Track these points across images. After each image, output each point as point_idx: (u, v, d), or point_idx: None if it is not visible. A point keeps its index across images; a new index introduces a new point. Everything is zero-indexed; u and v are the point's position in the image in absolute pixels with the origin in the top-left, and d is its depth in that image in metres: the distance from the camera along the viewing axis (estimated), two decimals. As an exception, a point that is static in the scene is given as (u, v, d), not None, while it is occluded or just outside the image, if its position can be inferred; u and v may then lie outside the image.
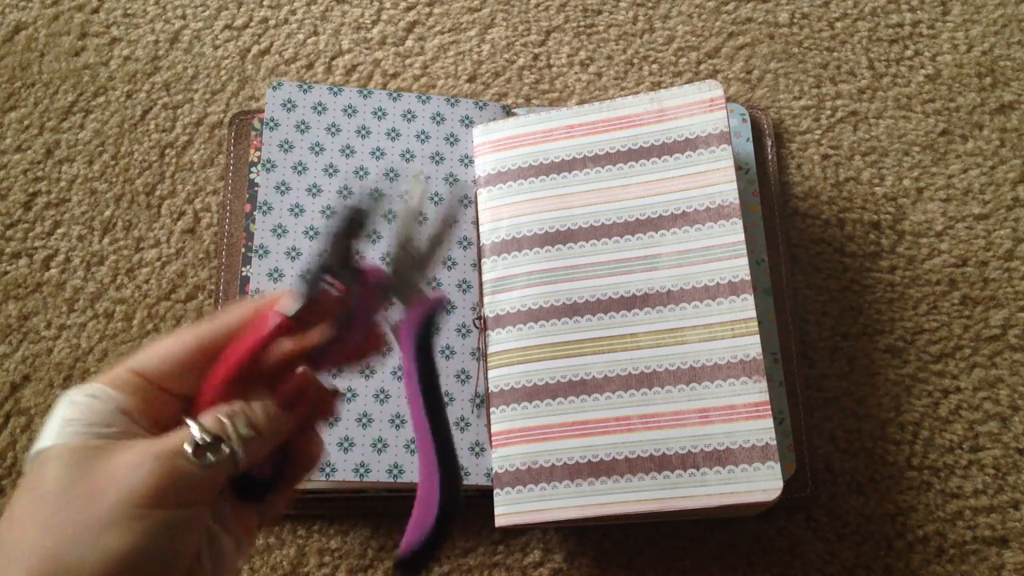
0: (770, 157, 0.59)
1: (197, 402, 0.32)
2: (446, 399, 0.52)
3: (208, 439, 0.30)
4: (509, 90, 0.62)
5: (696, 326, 0.50)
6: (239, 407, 0.31)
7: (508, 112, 0.60)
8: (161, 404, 0.32)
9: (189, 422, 0.30)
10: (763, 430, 0.47)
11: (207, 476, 0.30)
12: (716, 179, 0.52)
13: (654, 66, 0.63)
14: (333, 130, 0.57)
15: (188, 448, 0.29)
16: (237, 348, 0.32)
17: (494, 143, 0.56)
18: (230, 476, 0.31)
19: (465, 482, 0.51)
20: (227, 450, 0.30)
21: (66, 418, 0.30)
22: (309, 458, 0.35)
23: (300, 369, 0.34)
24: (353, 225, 0.33)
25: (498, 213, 0.55)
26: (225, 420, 0.30)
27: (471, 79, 0.62)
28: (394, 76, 0.62)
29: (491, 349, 0.52)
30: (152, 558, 0.28)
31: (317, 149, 0.56)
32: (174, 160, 0.59)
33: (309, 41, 0.63)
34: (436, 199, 0.56)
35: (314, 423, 0.35)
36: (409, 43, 0.63)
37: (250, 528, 0.34)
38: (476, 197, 0.56)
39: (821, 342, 0.56)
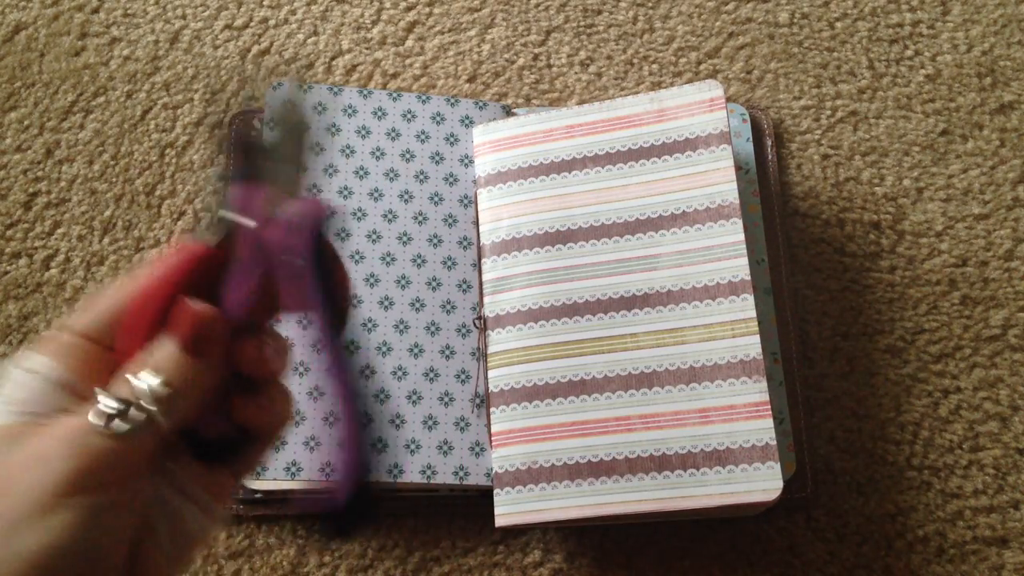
0: (770, 157, 0.59)
1: (116, 360, 0.29)
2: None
3: (114, 407, 0.26)
4: (509, 90, 0.62)
5: (696, 326, 0.50)
6: (140, 360, 0.27)
7: (508, 112, 0.60)
8: (109, 366, 0.28)
9: (97, 391, 0.26)
10: (763, 430, 0.47)
11: (127, 449, 0.26)
12: (716, 179, 0.52)
13: (654, 66, 0.63)
14: (333, 130, 0.57)
15: (97, 421, 0.26)
16: (150, 286, 0.29)
17: (494, 143, 0.56)
18: (171, 439, 0.27)
19: (465, 482, 0.51)
20: (141, 415, 0.26)
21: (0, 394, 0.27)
22: (273, 412, 0.30)
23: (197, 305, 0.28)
24: (251, 147, 0.29)
25: (498, 213, 0.55)
26: (133, 380, 0.27)
27: (471, 79, 0.62)
28: (394, 76, 0.62)
29: (491, 349, 0.52)
30: (77, 553, 0.25)
31: (317, 149, 0.56)
32: (174, 160, 0.60)
33: (309, 41, 0.63)
34: (436, 199, 0.56)
35: (266, 372, 0.30)
36: (409, 43, 0.63)
37: (221, 488, 0.30)
38: (476, 197, 0.56)
39: (821, 342, 0.56)
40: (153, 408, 0.26)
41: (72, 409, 0.27)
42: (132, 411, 0.26)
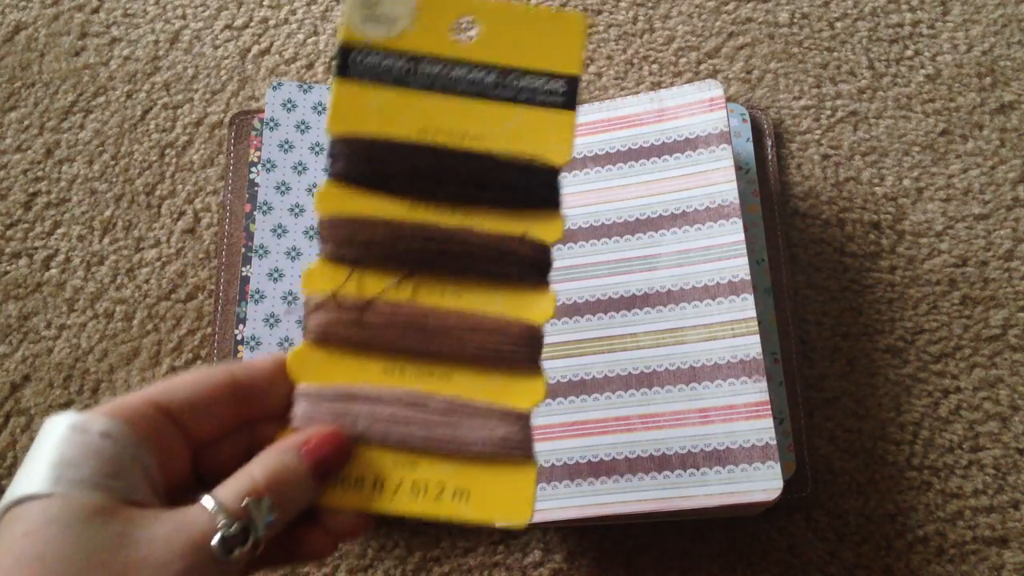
0: (770, 157, 0.59)
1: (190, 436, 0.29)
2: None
3: (236, 531, 0.26)
4: (509, 90, 0.62)
5: (696, 326, 0.50)
6: (264, 482, 0.27)
7: (508, 112, 0.60)
8: (174, 448, 0.29)
9: (212, 508, 0.26)
10: (763, 430, 0.47)
11: (230, 567, 0.26)
12: (716, 179, 0.52)
13: (654, 66, 0.63)
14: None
15: (214, 543, 0.26)
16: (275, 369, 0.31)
17: (494, 143, 0.56)
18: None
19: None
20: (252, 541, 0.27)
21: (66, 458, 0.25)
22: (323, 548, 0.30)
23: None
24: None
25: (498, 213, 0.55)
26: (251, 503, 0.27)
27: (471, 79, 0.62)
28: (394, 76, 0.62)
29: (491, 349, 0.52)
30: None
31: (317, 149, 0.56)
32: (174, 160, 0.60)
33: (309, 41, 0.63)
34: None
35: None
36: (409, 43, 0.63)
37: None
38: (476, 197, 0.56)
39: (821, 342, 0.56)
40: (262, 534, 0.27)
41: (145, 492, 0.27)
42: (249, 537, 0.27)
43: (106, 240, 0.58)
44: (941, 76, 0.62)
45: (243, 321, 0.53)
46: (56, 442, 0.26)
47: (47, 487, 0.25)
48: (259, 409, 0.31)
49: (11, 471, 0.52)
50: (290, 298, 0.53)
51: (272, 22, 0.64)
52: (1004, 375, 0.55)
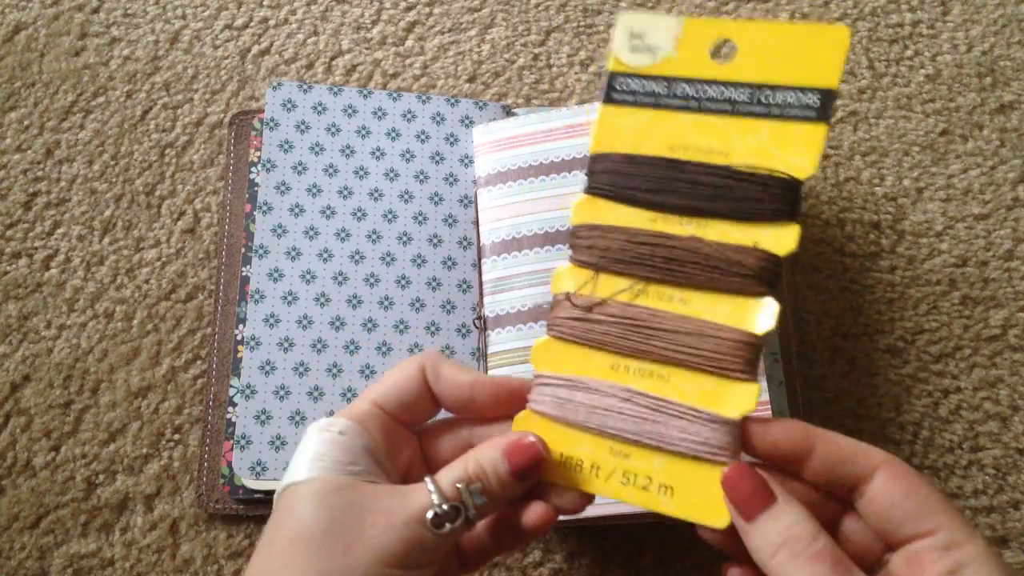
0: (770, 157, 0.59)
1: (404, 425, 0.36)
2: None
3: (447, 509, 0.31)
4: (509, 90, 0.62)
5: (697, 326, 0.50)
6: (474, 472, 0.33)
7: (508, 112, 0.60)
8: (398, 436, 0.35)
9: (431, 489, 0.32)
10: (763, 430, 0.47)
11: (442, 542, 0.31)
12: (717, 179, 0.52)
13: (654, 66, 0.63)
14: (333, 130, 0.57)
15: (429, 517, 0.31)
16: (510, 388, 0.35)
17: (494, 143, 0.56)
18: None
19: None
20: (463, 519, 0.32)
21: (317, 453, 0.32)
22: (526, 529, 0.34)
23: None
24: None
25: (498, 213, 0.55)
26: (462, 488, 0.32)
27: (471, 79, 0.62)
28: (394, 76, 0.62)
29: (491, 349, 0.52)
30: None
31: (317, 149, 0.56)
32: (174, 160, 0.60)
33: (309, 41, 0.63)
34: (436, 199, 0.56)
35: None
36: (409, 43, 0.63)
37: None
38: (476, 197, 0.56)
39: (821, 342, 0.56)
40: (473, 513, 0.32)
41: (378, 473, 0.33)
42: (460, 515, 0.32)
43: (106, 240, 0.58)
44: (941, 76, 0.62)
45: (243, 321, 0.53)
46: (310, 442, 0.33)
47: (303, 474, 0.32)
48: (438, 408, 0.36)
49: (11, 471, 0.52)
50: (290, 298, 0.53)
51: (272, 22, 0.64)
52: (1004, 375, 0.55)
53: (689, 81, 0.34)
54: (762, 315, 0.32)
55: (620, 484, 0.34)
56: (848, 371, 0.55)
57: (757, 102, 0.33)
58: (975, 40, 0.63)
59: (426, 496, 0.32)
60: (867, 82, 0.62)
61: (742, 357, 0.32)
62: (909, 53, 0.63)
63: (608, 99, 0.36)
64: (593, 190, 0.36)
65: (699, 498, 0.32)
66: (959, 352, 0.55)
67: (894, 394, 0.55)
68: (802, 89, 0.33)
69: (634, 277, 0.34)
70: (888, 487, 0.31)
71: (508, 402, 0.35)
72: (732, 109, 0.34)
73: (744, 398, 0.32)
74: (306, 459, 0.32)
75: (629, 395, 0.33)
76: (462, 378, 0.35)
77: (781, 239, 0.32)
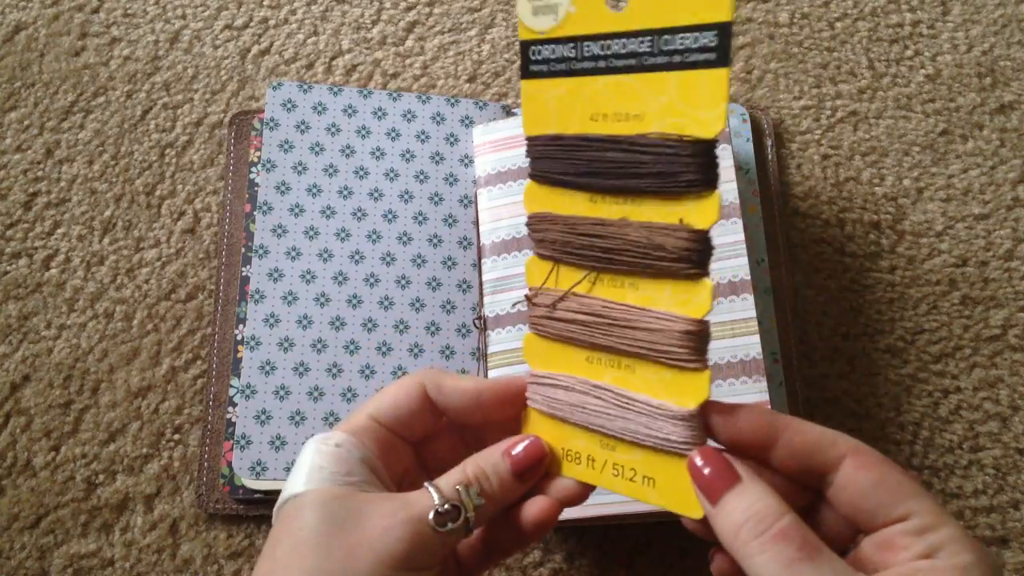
0: (770, 157, 0.59)
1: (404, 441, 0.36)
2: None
3: (448, 508, 0.32)
4: (509, 90, 0.62)
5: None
6: (473, 475, 0.33)
7: (508, 112, 0.60)
8: (394, 449, 0.35)
9: (431, 491, 0.32)
10: (763, 430, 0.47)
11: (444, 542, 0.32)
12: (716, 179, 0.52)
13: (654, 66, 0.63)
14: (333, 130, 0.57)
15: (431, 516, 0.32)
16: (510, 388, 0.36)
17: (494, 143, 0.56)
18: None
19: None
20: (463, 518, 0.32)
21: (315, 465, 0.33)
22: (529, 527, 0.35)
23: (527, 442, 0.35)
24: None
25: (498, 213, 0.55)
26: (461, 489, 0.33)
27: (471, 79, 0.62)
28: (394, 76, 0.62)
29: (491, 349, 0.52)
30: None
31: (317, 149, 0.56)
32: (174, 160, 0.60)
33: (309, 41, 0.63)
34: (436, 199, 0.56)
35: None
36: (409, 43, 0.63)
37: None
38: (476, 197, 0.56)
39: (821, 342, 0.56)
40: (472, 515, 0.32)
41: (375, 483, 0.33)
42: (461, 514, 0.32)
43: (106, 240, 0.58)
44: (941, 76, 0.62)
45: (243, 321, 0.53)
46: (308, 455, 0.34)
47: (302, 486, 0.32)
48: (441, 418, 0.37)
49: (11, 471, 0.52)
50: (290, 298, 0.53)
51: (272, 22, 0.64)
52: (1004, 375, 0.55)
53: (594, 39, 0.32)
54: (698, 297, 0.31)
55: (612, 476, 0.34)
56: (848, 371, 0.55)
57: (659, 51, 0.31)
58: (975, 40, 0.63)
59: (427, 498, 0.32)
60: (867, 82, 0.62)
61: (688, 347, 0.31)
62: (909, 53, 0.63)
63: (527, 73, 0.34)
64: (534, 176, 0.34)
65: (677, 489, 0.32)
66: (959, 352, 0.55)
67: (894, 394, 0.55)
68: (698, 28, 0.30)
69: (586, 268, 0.33)
70: (857, 476, 0.30)
71: (513, 401, 0.36)
72: (639, 63, 0.31)
73: (697, 388, 0.31)
74: (304, 472, 0.33)
75: (598, 392, 0.33)
76: (467, 386, 0.35)
77: (704, 211, 0.31)
